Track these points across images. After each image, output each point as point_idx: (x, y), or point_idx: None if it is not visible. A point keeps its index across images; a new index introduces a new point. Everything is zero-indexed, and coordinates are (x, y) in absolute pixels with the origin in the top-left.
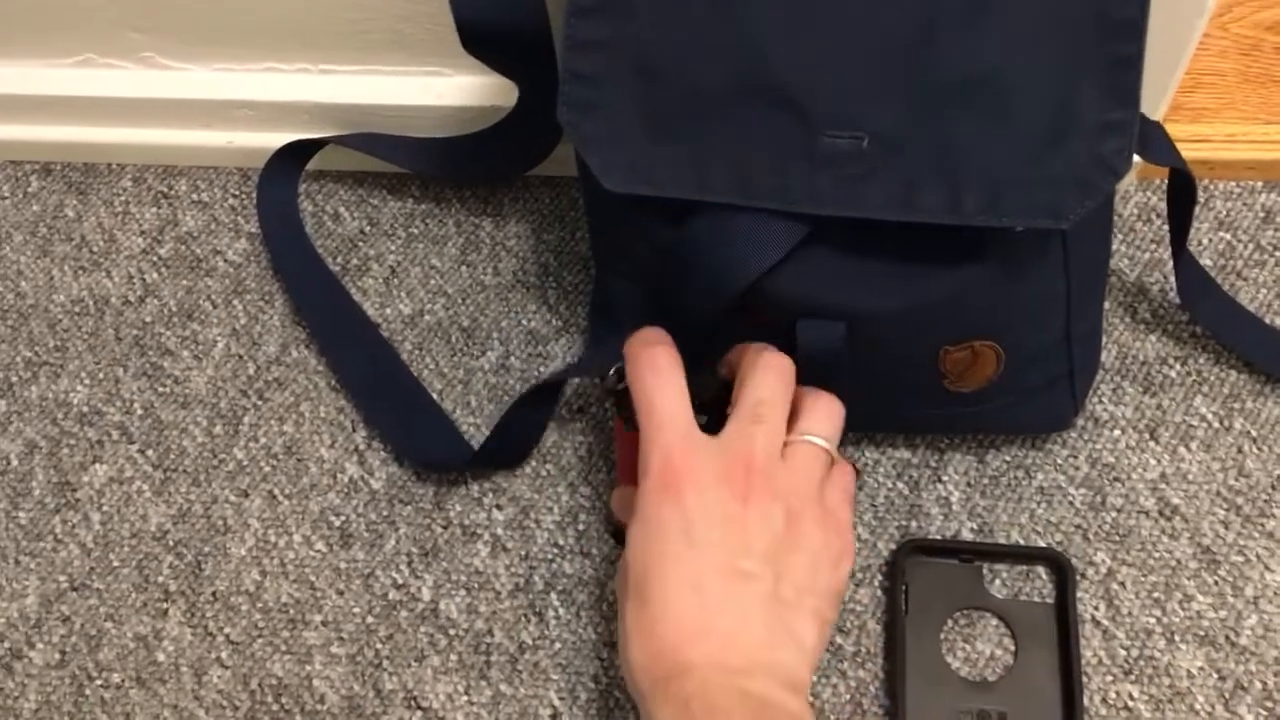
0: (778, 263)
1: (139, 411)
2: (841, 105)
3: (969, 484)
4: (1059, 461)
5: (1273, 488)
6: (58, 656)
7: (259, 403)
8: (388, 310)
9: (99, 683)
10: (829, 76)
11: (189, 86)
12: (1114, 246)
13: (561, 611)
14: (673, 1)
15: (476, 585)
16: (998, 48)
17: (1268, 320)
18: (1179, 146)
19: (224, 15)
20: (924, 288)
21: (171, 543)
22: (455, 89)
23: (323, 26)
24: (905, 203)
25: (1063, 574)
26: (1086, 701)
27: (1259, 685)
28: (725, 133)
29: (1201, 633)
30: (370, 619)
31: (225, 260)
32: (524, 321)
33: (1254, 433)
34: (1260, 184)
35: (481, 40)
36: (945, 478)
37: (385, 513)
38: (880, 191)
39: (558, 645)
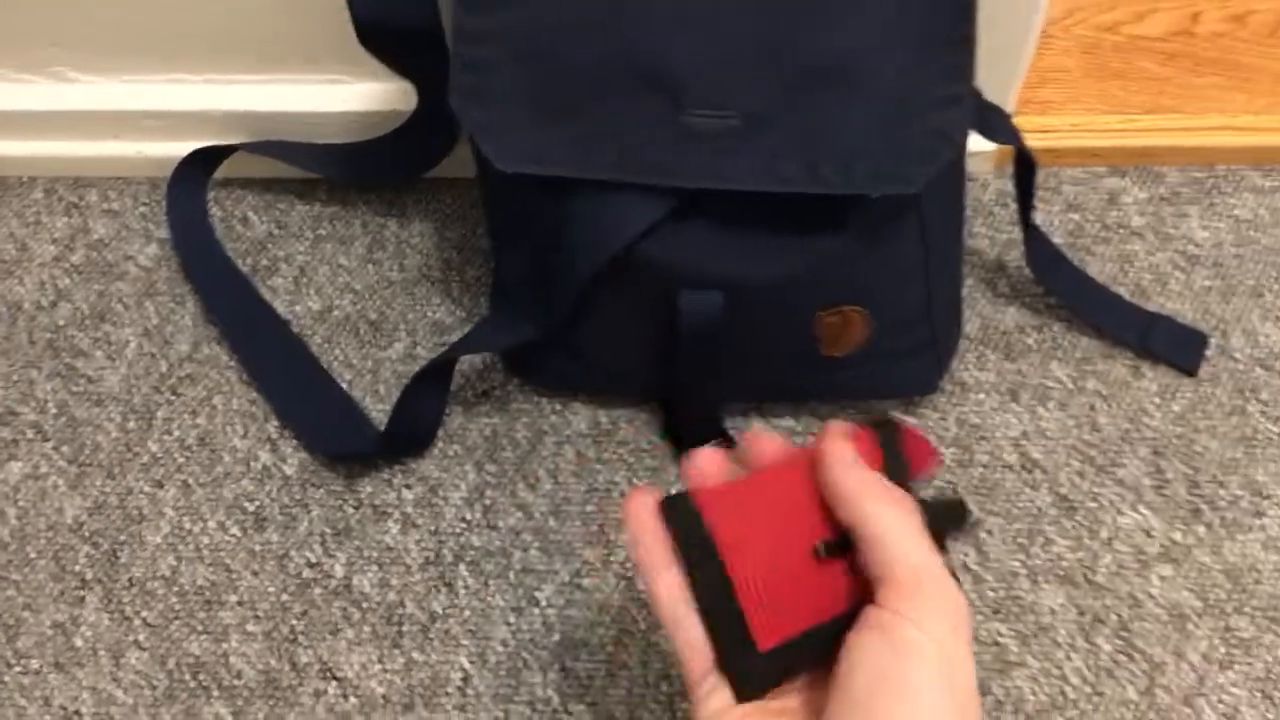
0: (660, 234)
1: (53, 410)
2: (711, 87)
3: None
4: (930, 424)
5: (1122, 440)
6: None
7: (172, 398)
8: (297, 307)
9: (18, 669)
10: (700, 61)
11: (99, 98)
12: (975, 228)
13: (470, 581)
14: None
15: (388, 560)
16: (851, 33)
17: (1113, 290)
18: (1030, 137)
19: (133, 28)
20: (795, 256)
21: (87, 533)
22: (357, 95)
23: (229, 38)
24: (769, 174)
25: (960, 514)
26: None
27: (1114, 618)
28: (604, 115)
29: (1062, 573)
30: (285, 597)
31: (137, 265)
32: (429, 314)
33: (1104, 391)
34: (1104, 169)
35: (377, 37)
36: None
37: (298, 496)
38: (746, 165)
39: (467, 613)
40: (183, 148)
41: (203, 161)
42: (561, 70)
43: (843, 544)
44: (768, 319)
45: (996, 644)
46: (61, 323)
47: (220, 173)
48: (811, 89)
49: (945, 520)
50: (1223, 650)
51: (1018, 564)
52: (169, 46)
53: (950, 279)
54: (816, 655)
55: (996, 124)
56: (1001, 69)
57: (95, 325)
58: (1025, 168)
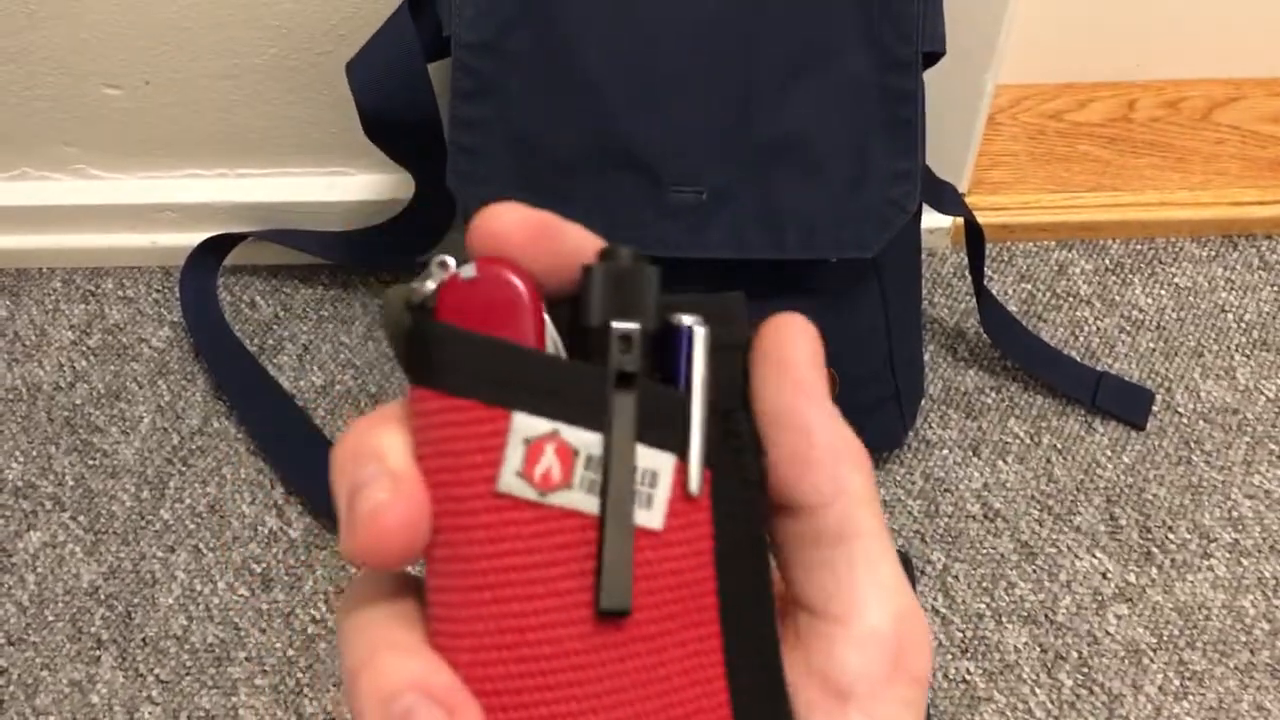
0: None
1: (70, 483)
2: (684, 165)
3: None
4: (898, 478)
5: (1077, 490)
6: None
7: (183, 469)
8: (301, 382)
9: None
10: (672, 142)
11: (116, 194)
12: (935, 299)
13: None
14: (540, 84)
15: None
16: (805, 113)
17: (1065, 352)
18: (983, 214)
19: (149, 128)
20: (763, 318)
21: (103, 596)
22: (357, 186)
23: (238, 135)
24: (738, 243)
25: (908, 568)
26: (930, 679)
27: (1075, 654)
28: (589, 192)
29: (1024, 614)
30: (291, 652)
31: (150, 346)
32: None
33: (1059, 445)
34: (1053, 243)
35: (381, 127)
36: None
37: (303, 558)
38: (717, 235)
39: None
40: (194, 238)
41: (213, 250)
42: (548, 154)
43: None
44: None
45: (965, 681)
46: (79, 401)
47: (229, 260)
48: (771, 165)
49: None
50: (1177, 683)
51: (983, 606)
52: (183, 145)
53: (910, 340)
54: None
55: (947, 198)
56: (954, 152)
57: (110, 403)
58: (975, 237)
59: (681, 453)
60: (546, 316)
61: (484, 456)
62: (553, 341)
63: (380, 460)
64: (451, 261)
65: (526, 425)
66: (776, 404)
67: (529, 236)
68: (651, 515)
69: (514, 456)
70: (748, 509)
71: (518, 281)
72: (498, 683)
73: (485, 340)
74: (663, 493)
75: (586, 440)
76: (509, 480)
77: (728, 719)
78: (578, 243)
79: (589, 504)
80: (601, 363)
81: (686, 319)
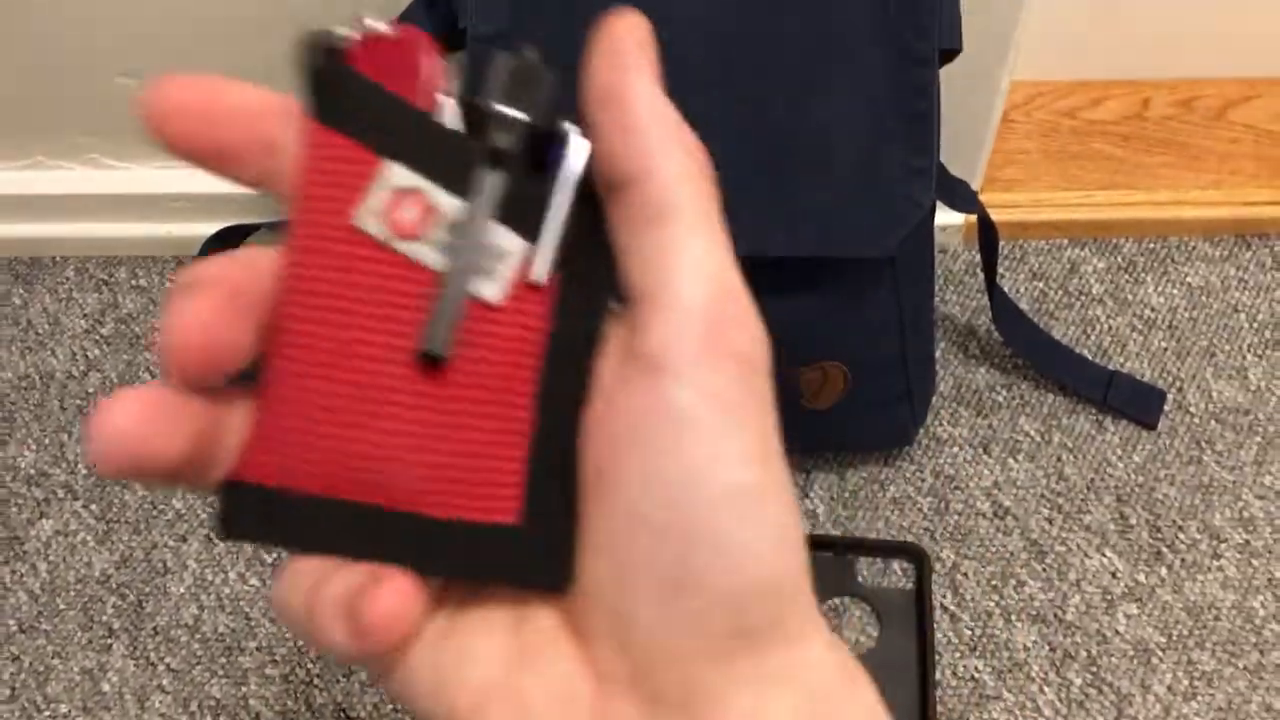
0: None
1: (83, 471)
2: None
3: (832, 498)
4: (908, 475)
5: (1088, 489)
6: (7, 692)
7: None
8: None
9: (47, 714)
10: None
11: (130, 183)
12: (947, 296)
13: None
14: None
15: None
16: (822, 110)
17: (1077, 351)
18: (996, 212)
19: None
20: (778, 316)
21: (115, 585)
22: None
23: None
24: (754, 241)
25: (921, 564)
26: (939, 675)
27: (1084, 654)
28: None
29: (1034, 612)
30: (301, 642)
31: None
32: None
33: (1070, 444)
34: (1065, 241)
35: None
36: (811, 494)
37: None
38: (733, 232)
39: None
40: (208, 227)
41: (227, 239)
42: None
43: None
44: None
45: (974, 679)
46: (91, 390)
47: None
48: (787, 161)
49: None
50: (1186, 683)
51: (992, 604)
52: None
53: (923, 336)
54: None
55: (961, 195)
56: (968, 150)
57: None
58: (988, 234)
59: (534, 241)
60: (451, 95)
61: (348, 193)
62: (452, 116)
63: (189, 279)
64: (375, 24)
65: (396, 174)
66: (597, 83)
67: (202, 103)
68: (491, 288)
69: (377, 199)
70: (592, 311)
71: (423, 46)
72: (315, 397)
73: (377, 89)
74: (507, 271)
75: (449, 204)
76: (366, 218)
77: (518, 496)
78: (251, 99)
79: (435, 261)
80: (483, 140)
81: (571, 127)
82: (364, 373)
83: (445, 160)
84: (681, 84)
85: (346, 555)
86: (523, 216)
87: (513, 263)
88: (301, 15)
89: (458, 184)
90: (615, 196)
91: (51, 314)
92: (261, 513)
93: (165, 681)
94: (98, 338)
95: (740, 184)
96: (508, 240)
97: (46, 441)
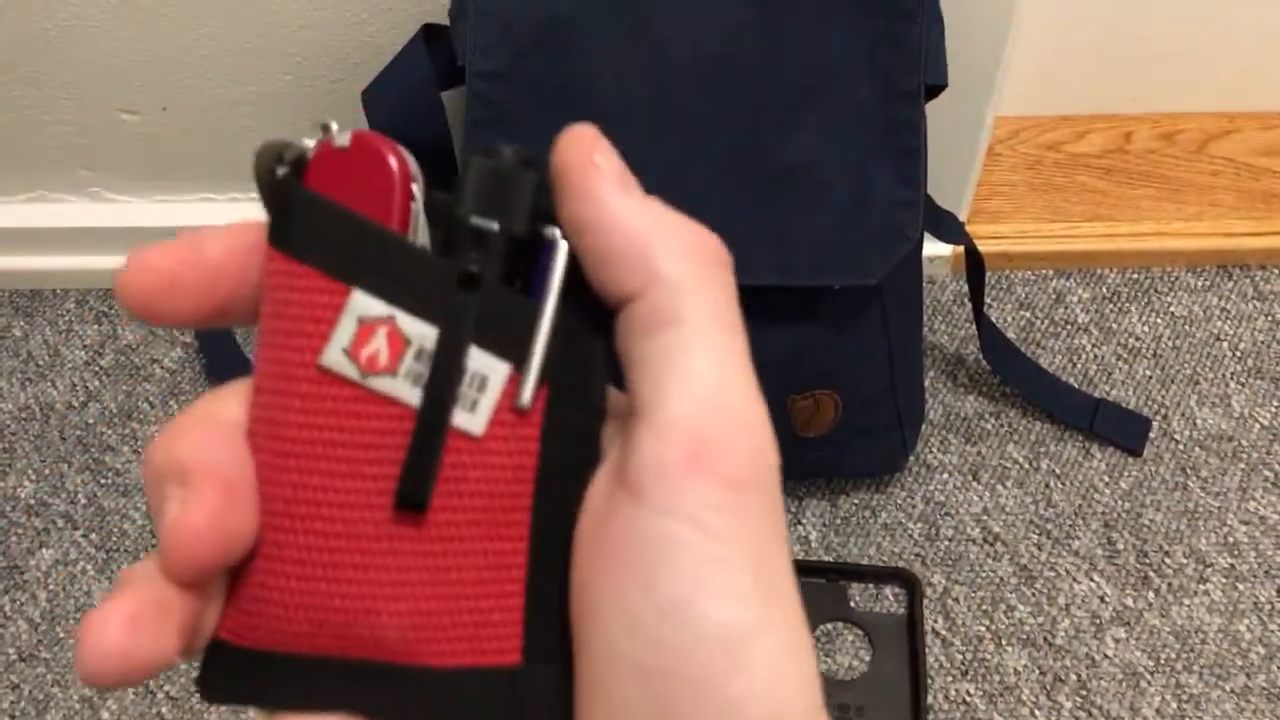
0: None
1: (82, 501)
2: (690, 191)
3: (824, 524)
4: (899, 501)
5: (1075, 514)
6: None
7: None
8: None
9: None
10: (680, 170)
11: (130, 216)
12: (935, 326)
13: None
14: (552, 113)
15: None
16: (811, 142)
17: (1063, 379)
18: (982, 243)
19: (165, 153)
20: (770, 345)
21: None
22: None
23: (251, 159)
24: (743, 269)
25: (912, 589)
26: (931, 699)
27: (1074, 677)
28: None
29: (1024, 636)
30: None
31: (162, 367)
32: None
33: (1058, 471)
34: (1051, 271)
35: None
36: (804, 520)
37: None
38: None
39: None
40: None
41: None
42: None
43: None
44: None
45: (965, 703)
46: (91, 421)
47: None
48: (776, 192)
49: None
50: (1174, 705)
51: (983, 628)
52: (197, 169)
53: (912, 366)
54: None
55: (948, 226)
56: (954, 182)
57: (123, 423)
58: (975, 265)
59: (518, 363)
60: (418, 203)
61: (315, 327)
62: (419, 228)
63: (179, 468)
64: (335, 127)
65: (363, 304)
66: (569, 214)
67: (183, 267)
68: (473, 420)
69: (344, 333)
70: (583, 434)
71: (390, 159)
72: (287, 552)
73: (339, 212)
74: (490, 399)
75: (421, 332)
76: (334, 355)
77: (517, 635)
78: (214, 251)
79: (411, 395)
80: (458, 258)
81: (556, 232)
82: (338, 522)
83: (415, 284)
84: (674, 112)
85: (338, 711)
86: (503, 336)
87: (495, 389)
88: (305, 54)
89: (431, 309)
90: (617, 310)
91: (52, 346)
92: (242, 674)
93: (164, 710)
94: (97, 369)
95: (730, 214)
96: (488, 365)
97: (46, 472)
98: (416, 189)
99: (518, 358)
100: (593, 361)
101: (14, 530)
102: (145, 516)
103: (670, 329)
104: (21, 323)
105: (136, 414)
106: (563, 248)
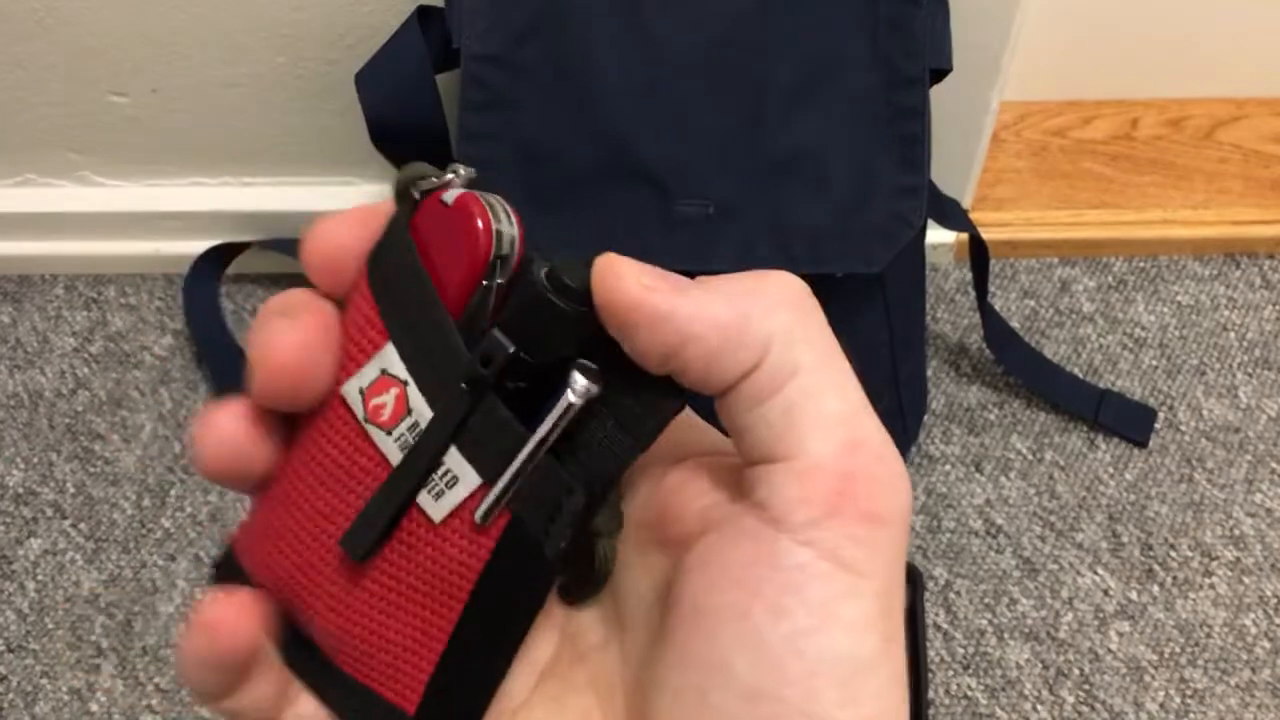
0: None
1: (71, 490)
2: (692, 179)
3: None
4: None
5: (1079, 507)
6: None
7: (184, 477)
8: None
9: None
10: (680, 156)
11: (120, 201)
12: (938, 314)
13: None
14: (550, 97)
15: None
16: (813, 130)
17: (1068, 369)
18: (987, 230)
19: (155, 136)
20: None
21: (103, 604)
22: (363, 195)
23: (243, 143)
24: (745, 257)
25: (914, 582)
26: (932, 694)
27: (1077, 671)
28: (597, 205)
29: (1026, 630)
30: None
31: (152, 354)
32: None
33: (1061, 462)
34: (1056, 259)
35: (388, 136)
36: None
37: None
38: (724, 248)
39: None
40: (198, 246)
41: (217, 258)
42: (557, 167)
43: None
44: None
45: (966, 697)
46: (80, 408)
47: (232, 268)
48: (779, 179)
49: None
50: (1178, 700)
51: (985, 622)
52: (187, 152)
53: (914, 355)
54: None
55: (952, 214)
56: (958, 168)
57: (113, 410)
58: (979, 252)
59: (488, 482)
60: (491, 281)
61: (353, 354)
62: (482, 304)
63: (285, 305)
64: (470, 174)
65: (390, 359)
66: (644, 345)
67: (359, 236)
68: (435, 507)
69: (367, 375)
70: (533, 572)
71: (478, 232)
72: (277, 527)
73: (412, 265)
74: (454, 498)
75: (421, 410)
76: (352, 389)
77: (418, 693)
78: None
79: (394, 457)
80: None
81: (577, 378)
82: (313, 531)
83: (434, 365)
84: (674, 98)
85: (281, 653)
86: (483, 451)
87: (461, 492)
88: (297, 35)
89: (436, 394)
90: (728, 392)
91: (40, 332)
92: (237, 578)
93: (154, 702)
94: (86, 356)
95: (733, 202)
96: (463, 469)
97: (35, 460)
98: (499, 265)
99: (489, 477)
100: (561, 515)
101: (2, 519)
102: (135, 506)
103: (790, 382)
104: (10, 309)
105: (126, 402)
106: (565, 399)
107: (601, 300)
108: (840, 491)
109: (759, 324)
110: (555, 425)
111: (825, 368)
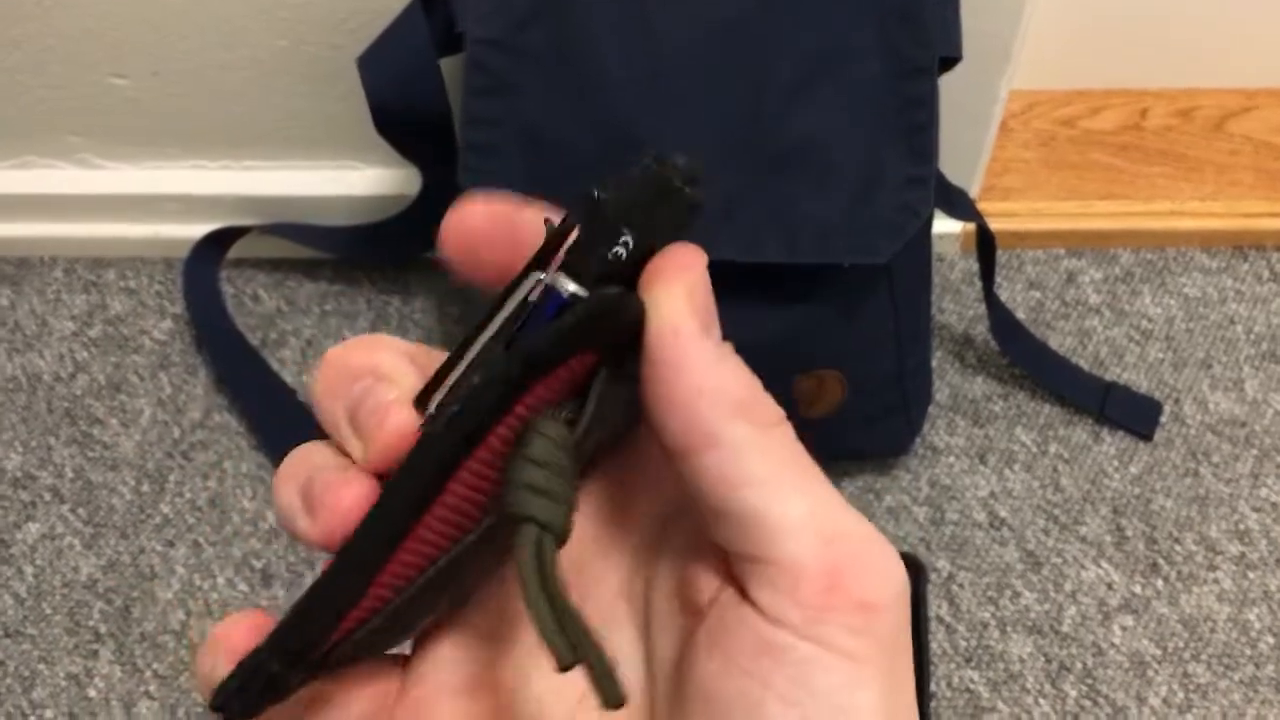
0: None
1: (70, 475)
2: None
3: None
4: (904, 485)
5: (1084, 500)
6: None
7: (184, 462)
8: (304, 377)
9: (32, 719)
10: (685, 144)
11: (120, 183)
12: (944, 305)
13: None
14: (554, 83)
15: None
16: (818, 119)
17: (1073, 361)
18: (993, 220)
19: (155, 119)
20: (776, 324)
21: (101, 590)
22: (365, 180)
23: (244, 127)
24: (750, 246)
25: (916, 574)
26: (934, 686)
27: (1080, 665)
28: None
29: (1029, 623)
30: None
31: (151, 339)
32: None
33: (1066, 455)
34: (1063, 250)
35: (392, 121)
36: None
37: (304, 554)
38: (729, 238)
39: None
40: (198, 229)
41: (217, 242)
42: (561, 152)
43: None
44: None
45: (968, 690)
46: (79, 393)
47: (233, 253)
48: (784, 168)
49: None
50: (1181, 695)
51: (988, 615)
52: (188, 136)
53: (920, 346)
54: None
55: (959, 203)
56: (966, 158)
57: (111, 395)
58: (986, 243)
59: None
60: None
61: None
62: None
63: (377, 373)
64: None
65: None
66: (651, 351)
67: (491, 228)
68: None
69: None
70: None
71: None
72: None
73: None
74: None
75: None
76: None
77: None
78: (534, 227)
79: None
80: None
81: (569, 284)
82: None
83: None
84: (679, 85)
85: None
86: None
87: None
88: (299, 18)
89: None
90: (692, 460)
91: (39, 315)
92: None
93: (152, 688)
94: (86, 339)
95: (738, 192)
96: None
97: (34, 444)
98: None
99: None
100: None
101: (0, 503)
102: (134, 492)
103: (747, 488)
104: (8, 291)
105: (125, 386)
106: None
107: (651, 314)
108: (832, 589)
109: (716, 419)
110: (510, 301)
111: (781, 477)
